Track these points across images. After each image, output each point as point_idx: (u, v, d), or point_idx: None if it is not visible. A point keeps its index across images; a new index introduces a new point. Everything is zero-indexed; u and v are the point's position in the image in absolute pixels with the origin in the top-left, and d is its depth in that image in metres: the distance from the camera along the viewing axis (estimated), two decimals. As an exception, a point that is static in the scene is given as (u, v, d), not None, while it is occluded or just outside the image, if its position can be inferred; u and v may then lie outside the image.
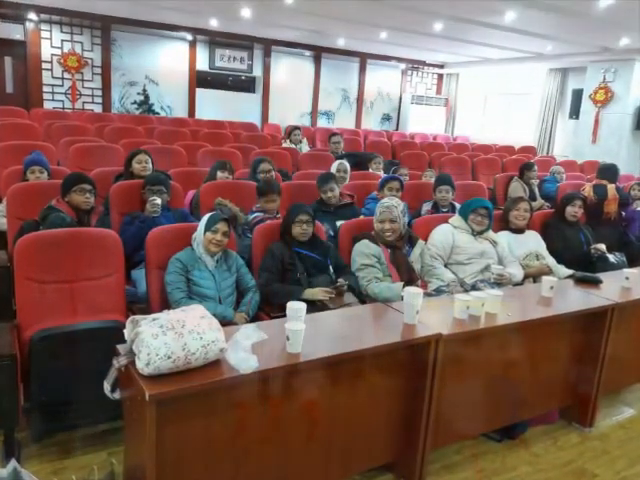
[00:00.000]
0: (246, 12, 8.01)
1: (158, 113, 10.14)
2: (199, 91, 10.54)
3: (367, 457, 2.29)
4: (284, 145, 7.19)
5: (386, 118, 12.79)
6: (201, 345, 1.72)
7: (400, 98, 12.78)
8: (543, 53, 9.84)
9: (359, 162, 5.83)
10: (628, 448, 2.77)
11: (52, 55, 9.21)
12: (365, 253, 3.06)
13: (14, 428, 2.24)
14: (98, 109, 9.66)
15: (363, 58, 11.84)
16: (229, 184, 3.97)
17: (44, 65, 9.18)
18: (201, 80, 10.61)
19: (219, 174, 4.12)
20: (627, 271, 3.09)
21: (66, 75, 9.37)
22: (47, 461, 2.30)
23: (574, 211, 4.01)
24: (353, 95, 12.20)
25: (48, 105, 9.22)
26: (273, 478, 2.02)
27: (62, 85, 9.40)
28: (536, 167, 5.92)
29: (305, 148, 7.39)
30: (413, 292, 2.24)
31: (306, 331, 1.92)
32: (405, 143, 8.70)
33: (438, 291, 3.02)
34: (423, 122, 12.27)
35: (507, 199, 5.13)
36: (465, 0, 6.46)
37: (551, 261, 3.57)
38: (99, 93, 9.72)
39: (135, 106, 10.07)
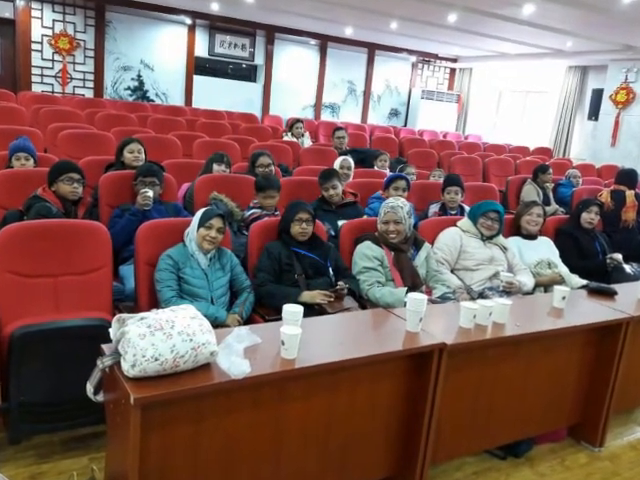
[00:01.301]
0: (249, -4, 8.03)
1: (153, 100, 10.15)
2: (197, 78, 10.54)
3: (364, 470, 2.28)
4: (285, 138, 7.19)
5: (394, 113, 12.80)
6: (191, 347, 1.72)
7: (409, 93, 12.79)
8: (562, 50, 9.84)
9: (364, 159, 5.84)
10: (639, 470, 2.77)
11: (42, 35, 9.22)
12: (367, 255, 3.06)
13: (-10, 429, 2.24)
14: (89, 94, 9.66)
15: (371, 49, 11.85)
16: (226, 178, 3.97)
17: (34, 46, 9.19)
18: (199, 67, 10.62)
19: (215, 167, 4.13)
20: (644, 283, 3.10)
21: (57, 57, 9.38)
22: (24, 465, 2.30)
23: (590, 218, 4.01)
24: (360, 88, 12.21)
25: (37, 88, 9.23)
26: (263, 490, 2.02)
27: (52, 68, 9.41)
28: (551, 170, 5.93)
29: (307, 142, 7.39)
30: (417, 298, 2.23)
31: (302, 336, 1.91)
32: (413, 140, 8.70)
33: (443, 298, 3.02)
34: (433, 119, 12.28)
35: (519, 203, 5.14)
36: (481, -9, 6.48)
37: (564, 270, 3.57)
38: (91, 77, 9.73)
39: (129, 92, 10.08)
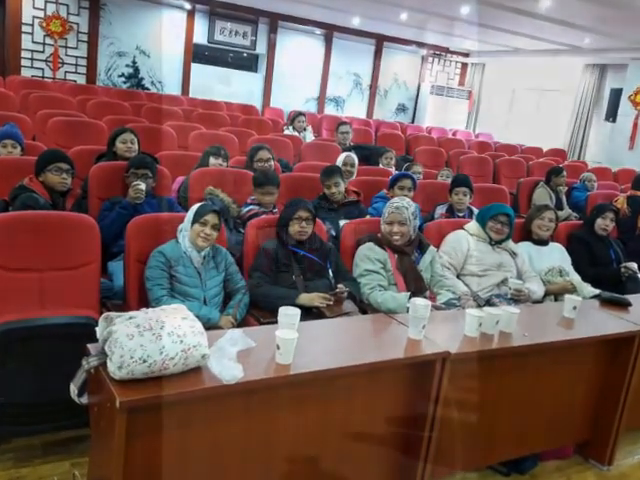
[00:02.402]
0: (252, -18, 8.03)
1: (148, 89, 10.14)
2: (195, 67, 10.54)
3: (359, 484, 2.29)
4: (286, 132, 7.20)
5: (401, 109, 12.80)
6: (181, 349, 1.72)
7: (418, 87, 12.78)
8: (580, 46, 9.84)
9: (368, 156, 5.84)
10: (649, 491, 2.77)
11: (34, 17, 9.20)
12: (369, 257, 3.06)
13: (-32, 430, 2.24)
14: (81, 80, 9.65)
15: (379, 41, 11.84)
16: (222, 172, 3.97)
17: (24, 28, 9.17)
18: (198, 55, 10.61)
19: (212, 160, 4.13)
20: (660, 294, 3.10)
21: (48, 40, 9.37)
22: (2, 469, 2.30)
23: (605, 224, 4.01)
24: (366, 81, 12.20)
25: (26, 73, 9.22)
26: (253, 502, 2.02)
27: (43, 51, 9.40)
28: (565, 173, 5.93)
29: (309, 137, 7.39)
30: (420, 304, 2.24)
31: (299, 341, 1.92)
32: (421, 138, 8.71)
33: (448, 304, 3.02)
34: (442, 115, 12.27)
35: (531, 206, 5.13)
36: (496, -18, 6.49)
37: (576, 278, 3.57)
38: (83, 63, 9.72)
39: (123, 79, 10.08)
